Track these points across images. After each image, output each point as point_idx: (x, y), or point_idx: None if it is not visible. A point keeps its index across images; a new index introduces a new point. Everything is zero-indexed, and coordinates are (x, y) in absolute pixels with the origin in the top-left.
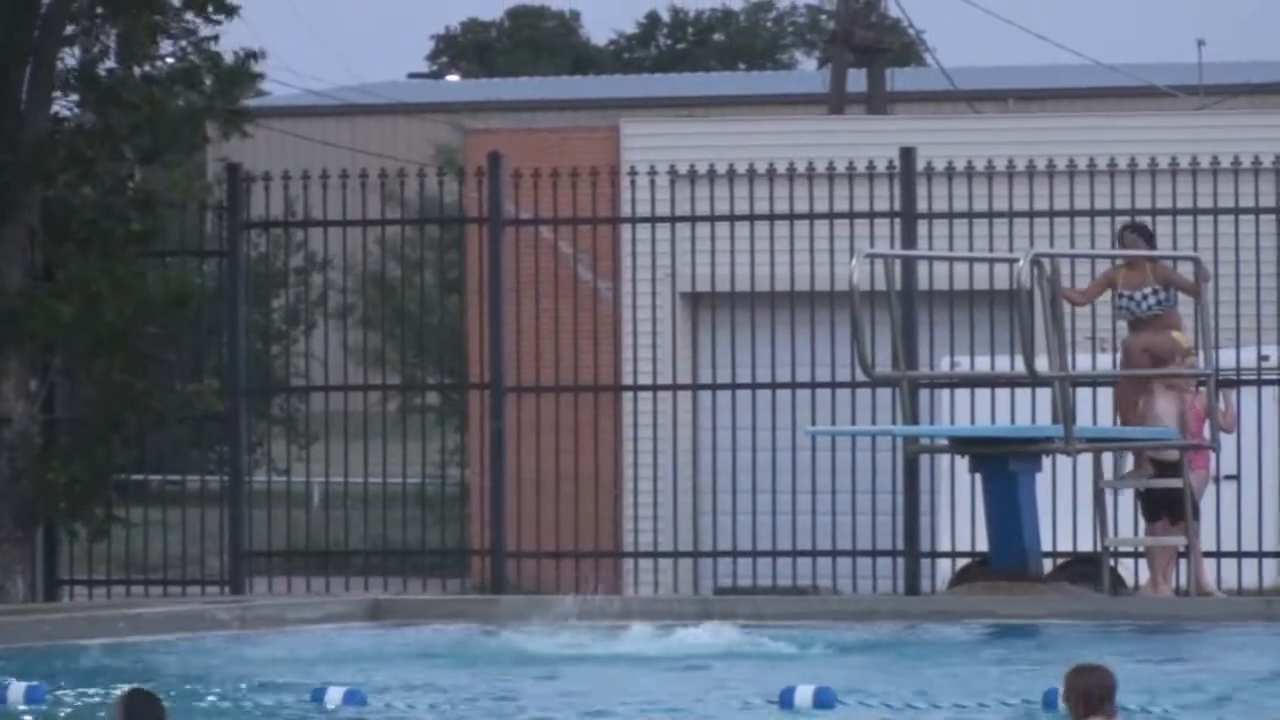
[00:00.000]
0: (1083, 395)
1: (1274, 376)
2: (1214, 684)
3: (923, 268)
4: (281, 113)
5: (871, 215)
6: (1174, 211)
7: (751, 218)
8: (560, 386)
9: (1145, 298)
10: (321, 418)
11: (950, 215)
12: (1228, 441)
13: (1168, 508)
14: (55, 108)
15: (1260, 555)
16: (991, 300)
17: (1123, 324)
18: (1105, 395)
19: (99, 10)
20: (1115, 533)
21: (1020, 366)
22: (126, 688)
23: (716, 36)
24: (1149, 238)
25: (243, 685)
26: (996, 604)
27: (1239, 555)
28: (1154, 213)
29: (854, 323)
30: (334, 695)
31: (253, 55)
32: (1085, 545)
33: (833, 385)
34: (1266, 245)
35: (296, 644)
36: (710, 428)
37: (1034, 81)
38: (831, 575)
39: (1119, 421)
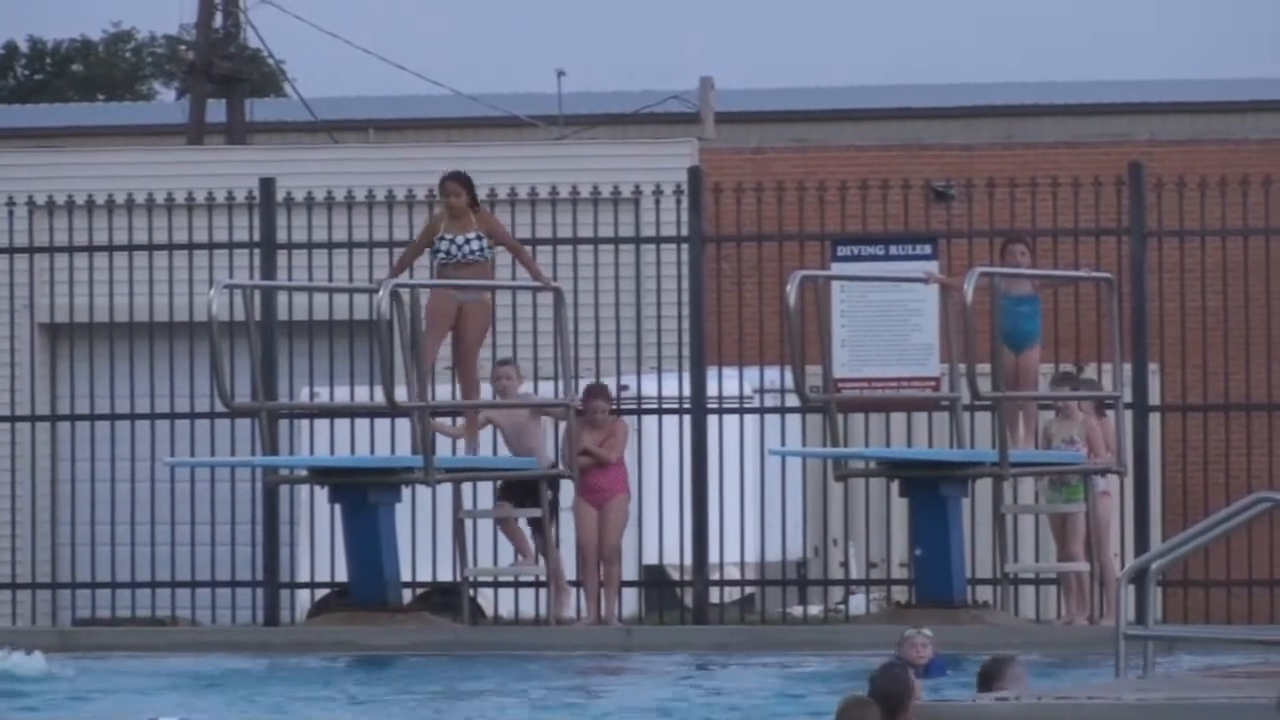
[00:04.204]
0: None
1: (632, 406)
2: (576, 709)
3: (283, 298)
4: None
5: (231, 246)
6: (534, 241)
7: (110, 248)
8: None
9: (468, 241)
10: None
11: (310, 246)
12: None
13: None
14: None
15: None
16: (351, 330)
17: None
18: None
19: None
20: (475, 563)
21: (380, 397)
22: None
23: (75, 67)
24: (468, 185)
25: None
26: (356, 634)
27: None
28: (523, 243)
29: (213, 353)
30: None
31: None
32: (445, 575)
33: (192, 416)
34: (626, 275)
35: None
36: (70, 459)
37: (394, 111)
38: (191, 606)
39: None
